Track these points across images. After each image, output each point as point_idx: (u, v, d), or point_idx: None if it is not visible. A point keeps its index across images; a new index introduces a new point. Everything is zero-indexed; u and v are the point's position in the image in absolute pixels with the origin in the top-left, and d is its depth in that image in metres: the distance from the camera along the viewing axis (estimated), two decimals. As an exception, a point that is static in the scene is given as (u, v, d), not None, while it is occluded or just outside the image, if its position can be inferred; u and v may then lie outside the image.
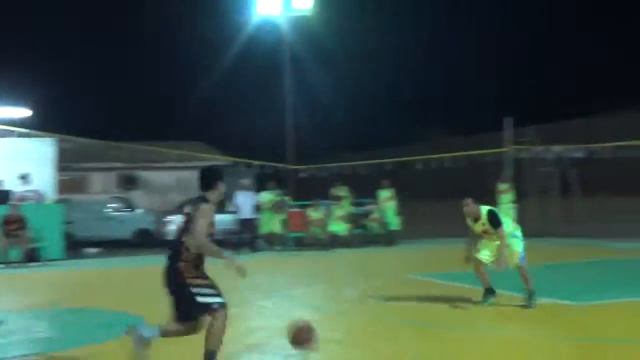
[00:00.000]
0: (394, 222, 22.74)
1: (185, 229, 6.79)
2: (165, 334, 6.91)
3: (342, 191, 23.31)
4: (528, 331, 8.74)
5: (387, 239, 22.33)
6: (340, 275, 14.97)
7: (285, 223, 22.37)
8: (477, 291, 11.03)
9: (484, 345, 8.10)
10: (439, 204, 31.13)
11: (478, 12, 49.75)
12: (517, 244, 10.08)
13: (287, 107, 29.31)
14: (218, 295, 6.74)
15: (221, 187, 7.05)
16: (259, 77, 47.47)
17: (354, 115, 47.87)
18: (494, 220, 9.94)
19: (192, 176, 34.35)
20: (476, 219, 10.07)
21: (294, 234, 22.59)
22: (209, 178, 7.06)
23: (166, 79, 54.03)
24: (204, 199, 6.89)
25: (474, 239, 10.32)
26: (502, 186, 22.69)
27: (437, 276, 13.64)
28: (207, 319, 6.77)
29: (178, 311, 6.81)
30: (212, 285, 6.75)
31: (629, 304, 10.27)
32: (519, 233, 10.23)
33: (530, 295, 10.00)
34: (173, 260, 6.74)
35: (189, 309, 6.74)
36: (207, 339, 6.70)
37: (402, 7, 52.24)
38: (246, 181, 22.63)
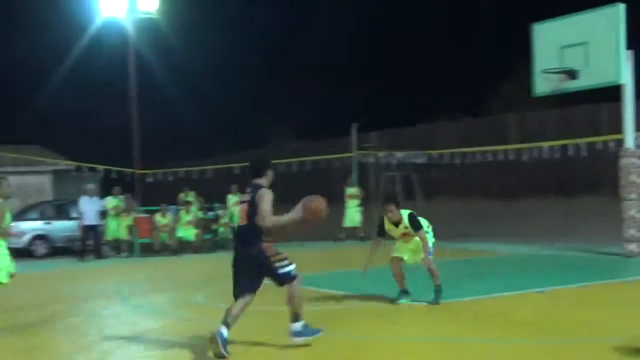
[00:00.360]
0: (243, 226, 22.72)
1: (253, 213, 7.54)
2: (234, 319, 7.62)
3: (190, 196, 23.11)
4: (357, 332, 8.94)
5: (237, 243, 22.29)
6: (189, 281, 14.83)
7: (131, 229, 21.94)
8: (328, 294, 11.24)
9: (335, 346, 8.25)
10: (289, 208, 31.48)
11: (325, 15, 50.55)
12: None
13: (133, 111, 28.70)
14: (292, 263, 7.71)
15: (270, 174, 7.86)
16: (104, 80, 46.08)
17: (202, 118, 47.45)
18: (415, 223, 10.20)
19: (33, 181, 33.04)
20: (397, 223, 10.26)
21: (140, 240, 22.18)
22: (258, 167, 7.88)
23: (2, 80, 51.46)
24: (259, 186, 7.65)
25: (378, 245, 10.50)
26: (349, 190, 23.32)
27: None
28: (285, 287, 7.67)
29: (243, 285, 7.64)
30: (286, 257, 7.71)
31: (472, 302, 10.76)
32: (430, 231, 10.53)
33: (437, 292, 10.26)
34: (251, 242, 7.56)
35: (274, 280, 7.67)
36: (290, 303, 7.71)
37: (247, 10, 52.32)
38: (91, 186, 21.94)
